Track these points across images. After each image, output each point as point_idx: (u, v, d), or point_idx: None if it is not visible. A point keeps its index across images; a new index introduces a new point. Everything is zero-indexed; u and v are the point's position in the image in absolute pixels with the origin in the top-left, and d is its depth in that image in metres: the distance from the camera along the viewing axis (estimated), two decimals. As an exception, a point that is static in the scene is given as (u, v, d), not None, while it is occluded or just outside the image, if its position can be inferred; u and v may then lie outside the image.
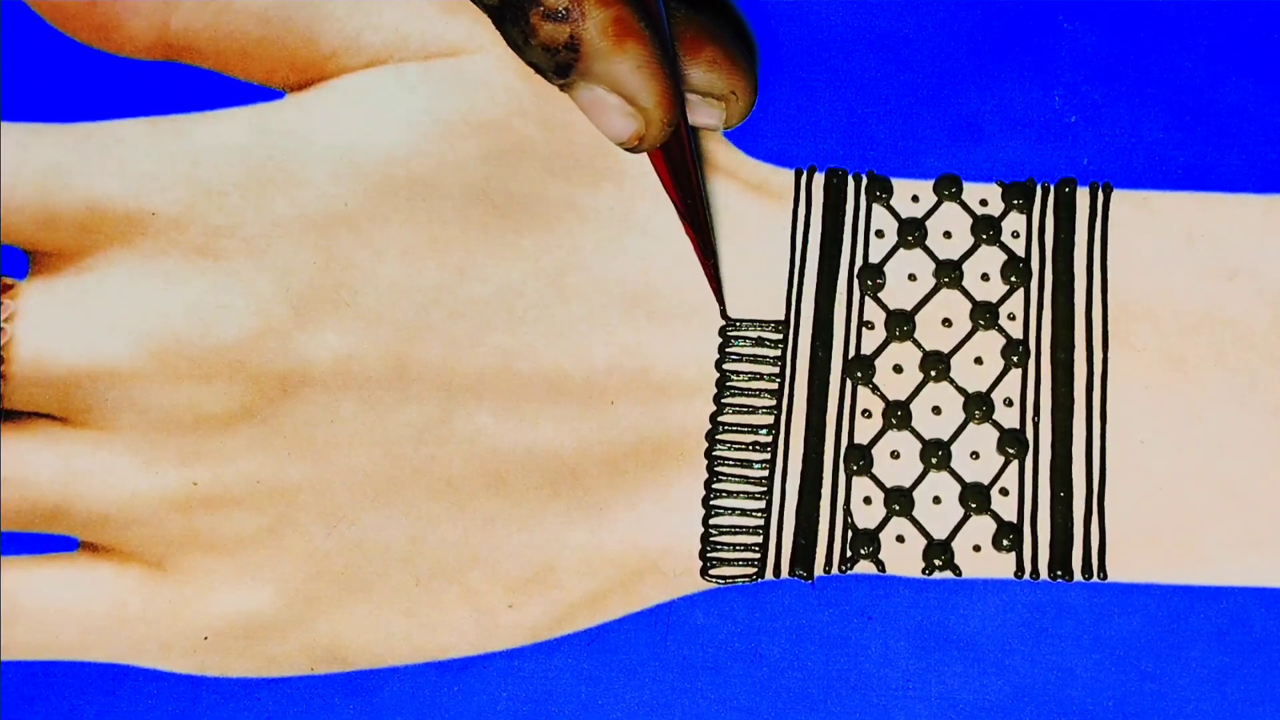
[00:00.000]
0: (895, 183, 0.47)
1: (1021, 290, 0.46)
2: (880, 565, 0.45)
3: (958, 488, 0.45)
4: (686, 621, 0.45)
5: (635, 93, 0.41)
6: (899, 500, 0.45)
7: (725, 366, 0.46)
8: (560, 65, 0.41)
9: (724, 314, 0.46)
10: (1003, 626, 0.44)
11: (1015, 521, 0.45)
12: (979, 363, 0.46)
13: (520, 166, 0.47)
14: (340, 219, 0.46)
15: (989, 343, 0.46)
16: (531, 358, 0.46)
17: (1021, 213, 0.47)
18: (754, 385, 0.46)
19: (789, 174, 0.47)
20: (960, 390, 0.46)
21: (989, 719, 0.44)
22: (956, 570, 0.45)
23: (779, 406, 0.46)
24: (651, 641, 0.45)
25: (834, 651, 0.44)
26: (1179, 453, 0.45)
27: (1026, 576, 0.44)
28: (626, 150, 0.43)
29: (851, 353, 0.46)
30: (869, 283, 0.46)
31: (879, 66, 0.48)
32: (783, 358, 0.46)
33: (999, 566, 0.45)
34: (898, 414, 0.45)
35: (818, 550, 0.45)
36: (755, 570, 0.45)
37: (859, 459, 0.45)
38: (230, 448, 0.45)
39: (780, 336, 0.46)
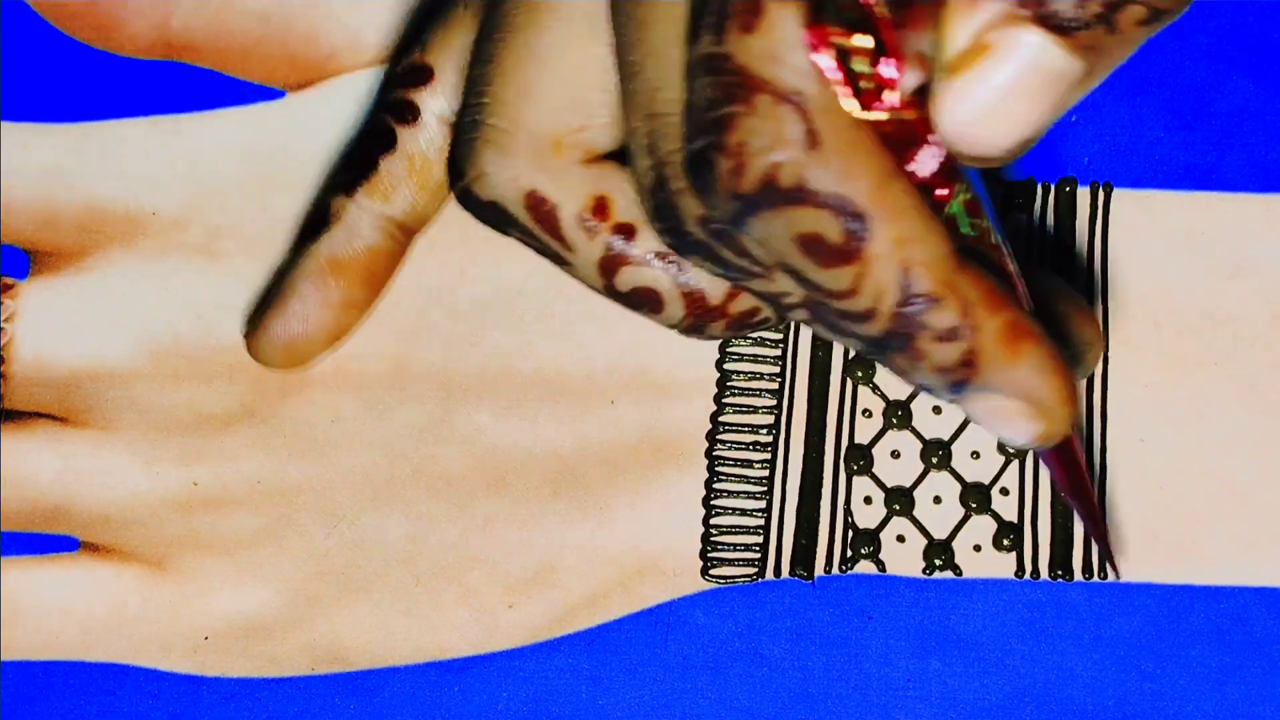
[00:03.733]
0: (895, 182, 0.47)
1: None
2: (881, 565, 0.45)
3: (958, 487, 0.45)
4: (686, 621, 0.45)
5: (1038, 395, 0.37)
6: (899, 500, 0.45)
7: (725, 366, 0.46)
8: (955, 383, 0.37)
9: (1115, 570, 0.44)
10: (1003, 626, 0.44)
11: (1016, 521, 0.45)
12: (979, 362, 0.46)
13: (520, 166, 0.47)
14: (340, 218, 0.46)
15: (989, 342, 0.46)
16: (531, 357, 0.46)
17: (1022, 211, 0.47)
18: (754, 385, 0.46)
19: None
20: (960, 390, 0.46)
21: (989, 718, 0.44)
22: (957, 570, 0.45)
23: (779, 406, 0.46)
24: (651, 641, 0.45)
25: (834, 651, 0.44)
26: (1179, 452, 0.45)
27: (1027, 576, 0.44)
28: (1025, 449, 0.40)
29: (851, 352, 0.46)
30: (869, 282, 0.46)
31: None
32: (783, 357, 0.46)
33: (999, 566, 0.45)
34: (898, 413, 0.45)
35: (818, 550, 0.45)
36: (755, 570, 0.45)
37: (859, 458, 0.45)
38: (230, 447, 0.46)
39: (780, 336, 0.46)
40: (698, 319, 0.40)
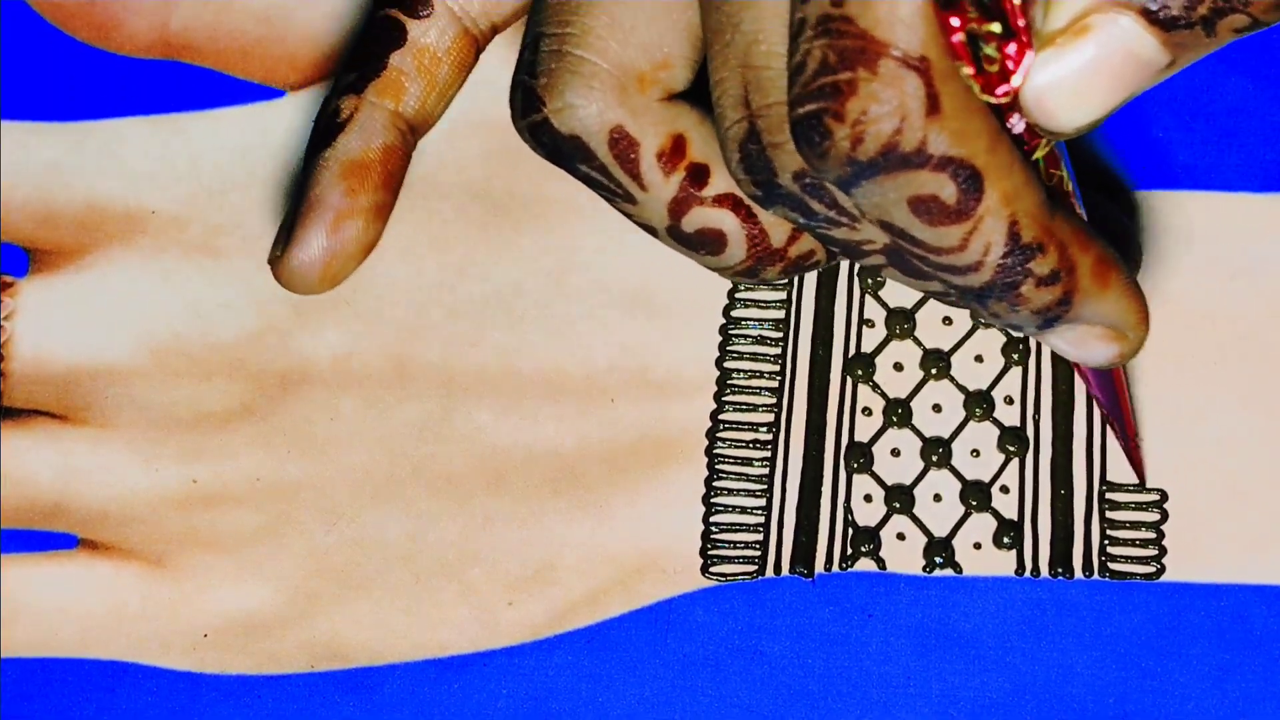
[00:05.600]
0: (895, 182, 0.47)
1: (1022, 289, 0.46)
2: (881, 563, 0.45)
3: (958, 485, 0.45)
4: (687, 619, 0.45)
5: (1123, 320, 0.39)
6: (899, 498, 0.45)
7: (725, 364, 0.46)
8: (1049, 320, 0.38)
9: (1141, 480, 0.45)
10: (1003, 624, 0.44)
11: (1016, 519, 0.45)
12: (979, 360, 0.46)
13: (520, 165, 0.47)
14: (340, 217, 0.46)
15: (989, 340, 0.46)
16: (531, 356, 0.46)
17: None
18: (754, 383, 0.46)
19: None
20: (961, 388, 0.46)
21: (989, 717, 0.44)
22: (957, 568, 0.45)
23: (779, 404, 0.46)
24: (651, 639, 0.45)
25: (834, 649, 0.44)
26: (1179, 452, 0.45)
27: (1027, 574, 0.44)
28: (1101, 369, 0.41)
29: (852, 350, 0.46)
30: (869, 280, 0.46)
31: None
32: (783, 356, 0.46)
33: (999, 564, 0.45)
34: (898, 412, 0.45)
35: (818, 548, 0.45)
36: (756, 568, 0.45)
37: (859, 457, 0.45)
38: (230, 445, 0.45)
39: (780, 334, 0.46)
40: (758, 262, 0.40)
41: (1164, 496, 0.45)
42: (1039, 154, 0.37)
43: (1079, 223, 0.37)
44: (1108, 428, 0.45)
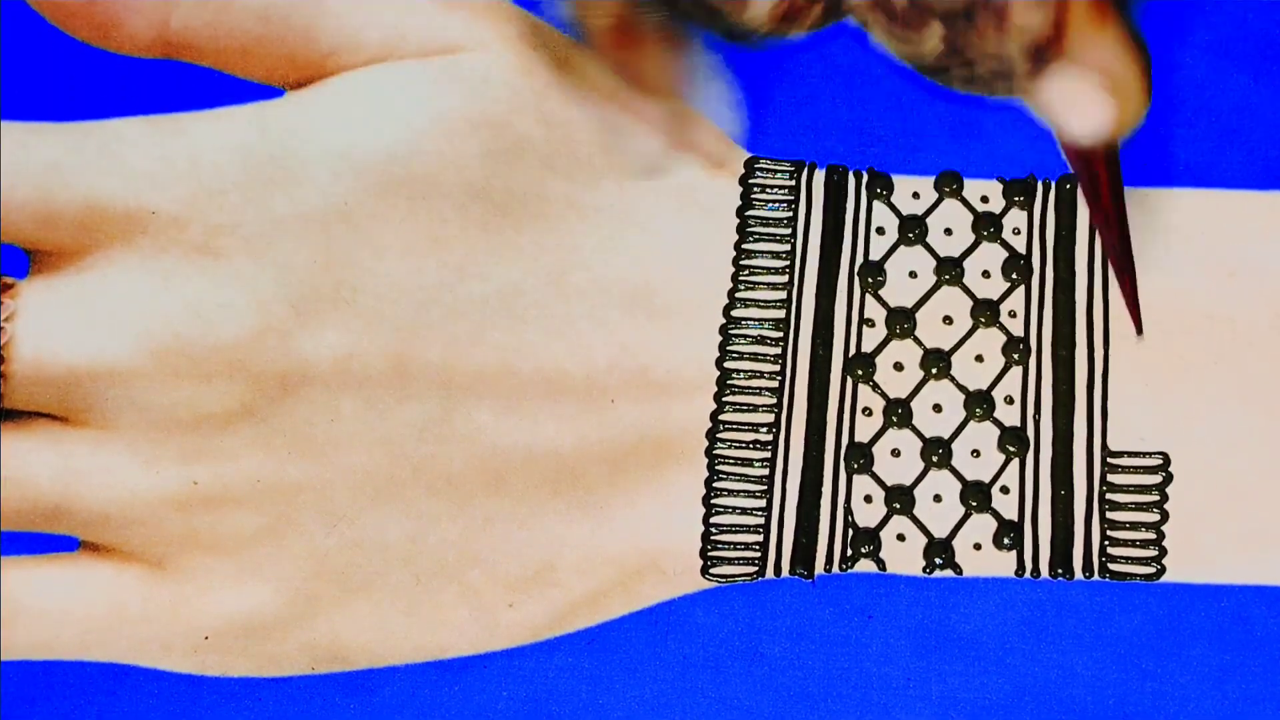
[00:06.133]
0: (896, 179, 0.47)
1: (1022, 287, 0.46)
2: (881, 564, 0.45)
3: (958, 486, 0.45)
4: (687, 620, 0.45)
5: (1119, 71, 0.37)
6: (900, 498, 0.45)
7: (725, 365, 0.46)
8: (1040, 57, 0.36)
9: (1139, 330, 0.44)
10: (1003, 625, 0.44)
11: (1016, 520, 0.45)
12: (980, 360, 0.46)
13: (520, 164, 0.47)
14: (340, 217, 0.46)
15: (990, 340, 0.46)
16: (531, 356, 0.46)
17: (1023, 209, 0.47)
18: (754, 383, 0.46)
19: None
20: (961, 388, 0.46)
21: (989, 717, 0.44)
22: (957, 569, 0.45)
23: (779, 405, 0.46)
24: (651, 641, 0.45)
25: (834, 650, 0.44)
26: (1179, 452, 0.45)
27: (1027, 575, 0.44)
28: (1087, 147, 0.39)
29: (852, 350, 0.46)
30: (869, 280, 0.46)
31: (880, 63, 0.48)
32: (783, 356, 0.46)
33: (1000, 565, 0.45)
34: (898, 412, 0.45)
35: (818, 549, 0.45)
36: (756, 569, 0.45)
37: (859, 457, 0.45)
38: (230, 447, 0.45)
39: (780, 334, 0.46)
40: (786, 17, 0.39)
41: (1164, 497, 0.45)
42: None
43: None
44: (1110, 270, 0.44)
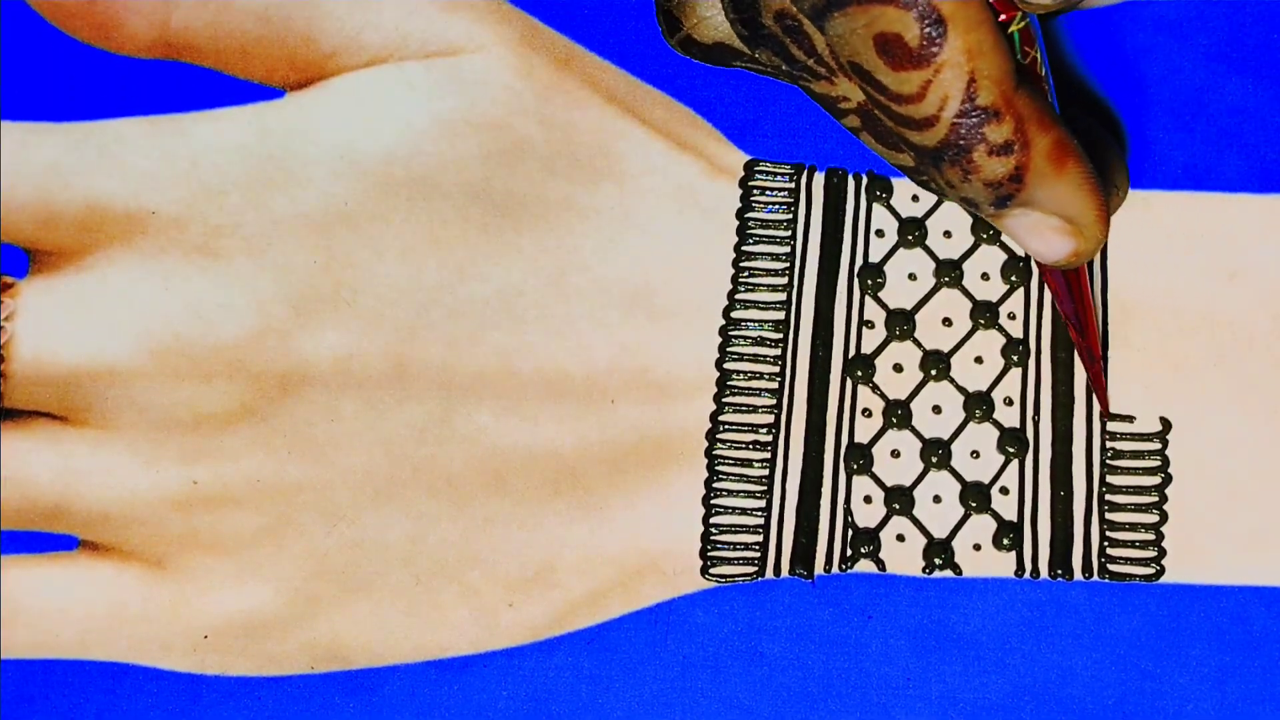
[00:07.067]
0: (895, 182, 0.47)
1: (1021, 289, 0.46)
2: (880, 564, 0.45)
3: (958, 487, 0.45)
4: (686, 621, 0.45)
5: (1077, 213, 0.39)
6: (899, 499, 0.45)
7: (725, 365, 0.46)
8: (1001, 197, 0.38)
9: (1105, 414, 0.45)
10: (1003, 625, 0.44)
11: (1015, 520, 0.45)
12: (979, 362, 0.46)
13: (520, 166, 0.47)
14: (340, 218, 0.46)
15: (989, 342, 0.46)
16: (531, 357, 0.46)
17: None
18: (754, 384, 0.46)
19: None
20: (960, 389, 0.46)
21: (989, 717, 0.44)
22: (957, 569, 0.45)
23: (779, 406, 0.46)
24: (651, 641, 0.45)
25: (834, 651, 0.44)
26: (1179, 452, 0.45)
27: (1027, 575, 0.44)
28: (1056, 267, 0.41)
29: (852, 352, 0.46)
30: (869, 282, 0.46)
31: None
32: (783, 357, 0.46)
33: (999, 565, 0.45)
34: (898, 413, 0.45)
35: (818, 549, 0.45)
36: (755, 569, 0.45)
37: (859, 458, 0.45)
38: (230, 447, 0.45)
39: (780, 336, 0.46)
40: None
41: (1164, 497, 0.45)
42: (1014, 27, 0.38)
43: (1043, 104, 0.38)
44: (1077, 354, 0.45)
